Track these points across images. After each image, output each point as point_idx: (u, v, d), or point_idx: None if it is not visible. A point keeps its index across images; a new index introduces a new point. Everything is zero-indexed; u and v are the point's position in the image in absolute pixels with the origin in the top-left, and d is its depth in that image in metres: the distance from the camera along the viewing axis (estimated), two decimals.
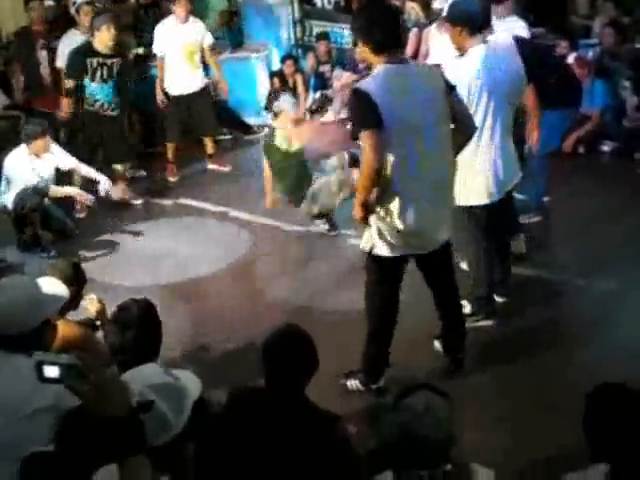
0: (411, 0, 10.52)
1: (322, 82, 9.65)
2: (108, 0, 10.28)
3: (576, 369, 4.45)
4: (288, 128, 6.46)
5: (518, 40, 5.79)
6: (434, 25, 9.08)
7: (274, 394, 3.02)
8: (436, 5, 8.94)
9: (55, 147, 6.95)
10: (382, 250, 4.08)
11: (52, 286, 3.50)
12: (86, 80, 7.30)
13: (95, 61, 7.25)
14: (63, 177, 7.08)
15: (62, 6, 9.37)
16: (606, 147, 7.97)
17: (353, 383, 4.45)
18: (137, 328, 3.44)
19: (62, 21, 8.80)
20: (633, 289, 5.22)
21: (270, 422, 2.92)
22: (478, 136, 4.54)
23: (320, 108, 9.33)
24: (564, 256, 5.92)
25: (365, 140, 3.81)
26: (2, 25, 9.41)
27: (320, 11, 10.90)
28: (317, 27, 10.70)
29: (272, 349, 3.09)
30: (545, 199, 6.59)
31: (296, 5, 10.83)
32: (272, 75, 10.07)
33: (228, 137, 9.63)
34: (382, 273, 4.19)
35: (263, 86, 10.23)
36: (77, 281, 3.97)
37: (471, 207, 4.72)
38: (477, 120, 4.50)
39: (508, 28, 6.62)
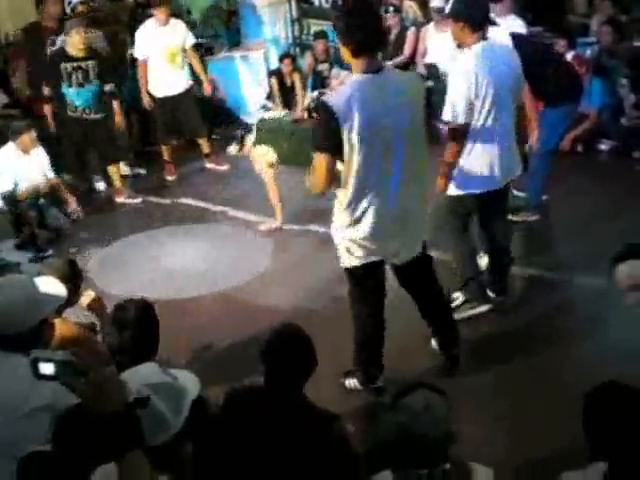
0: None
1: (320, 81, 9.64)
2: None
3: (574, 367, 4.45)
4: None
5: (515, 37, 5.81)
6: (432, 24, 9.12)
7: (272, 393, 3.02)
8: (434, 4, 8.96)
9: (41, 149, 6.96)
10: (350, 261, 4.10)
11: (50, 285, 3.49)
12: (64, 86, 7.29)
13: (69, 65, 7.24)
14: None
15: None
16: (604, 145, 7.97)
17: (351, 382, 4.46)
18: (135, 328, 3.44)
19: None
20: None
21: (268, 421, 2.92)
22: (482, 130, 4.57)
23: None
24: (562, 254, 5.93)
25: (317, 160, 3.81)
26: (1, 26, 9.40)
27: (318, 10, 10.89)
28: (315, 26, 10.70)
29: (271, 348, 3.09)
30: (544, 197, 6.59)
31: (294, 4, 10.83)
32: (270, 74, 10.08)
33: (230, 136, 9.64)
34: (358, 283, 4.19)
35: (261, 85, 10.23)
36: (74, 279, 3.96)
37: (463, 196, 4.75)
38: (483, 114, 4.54)
39: (507, 27, 6.65)
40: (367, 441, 3.45)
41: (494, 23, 5.07)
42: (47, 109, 7.50)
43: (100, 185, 8.20)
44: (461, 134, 4.58)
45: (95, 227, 7.19)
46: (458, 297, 5.10)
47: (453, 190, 4.77)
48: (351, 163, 3.81)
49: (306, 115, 8.09)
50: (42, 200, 6.83)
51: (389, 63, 9.25)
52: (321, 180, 3.83)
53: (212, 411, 3.08)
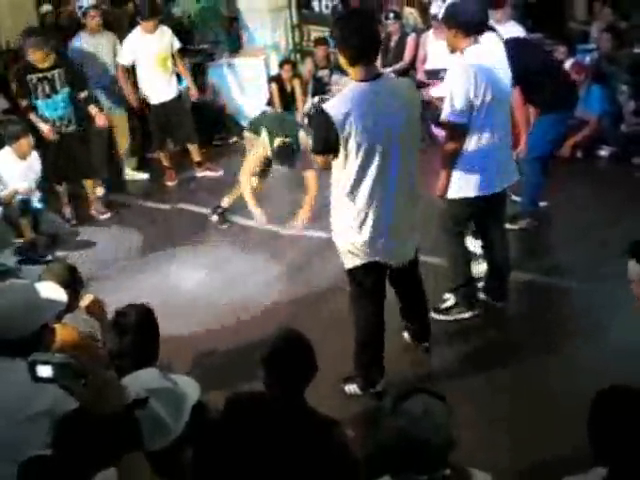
0: (409, 5, 10.58)
1: (320, 87, 9.66)
2: (107, 3, 10.34)
3: (572, 372, 4.45)
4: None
5: (514, 41, 5.82)
6: (431, 30, 9.14)
7: (273, 399, 3.02)
8: (434, 10, 8.98)
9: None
10: (353, 261, 4.17)
11: (50, 290, 3.49)
12: (33, 98, 7.20)
13: (34, 77, 7.14)
14: None
15: (56, 12, 9.40)
16: (604, 152, 7.98)
17: (351, 388, 4.47)
18: (135, 333, 3.44)
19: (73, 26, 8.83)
20: (629, 292, 5.21)
21: (268, 427, 2.92)
22: (480, 132, 4.60)
23: None
24: (561, 260, 5.93)
25: (316, 158, 4.11)
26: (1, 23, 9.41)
27: (318, 16, 10.91)
28: (315, 32, 10.72)
29: (271, 354, 3.09)
30: (542, 204, 6.59)
31: (294, 10, 10.86)
32: (270, 80, 10.09)
33: (230, 141, 9.66)
34: (360, 284, 4.25)
35: (261, 91, 10.24)
36: (73, 284, 3.96)
37: (460, 199, 4.77)
38: (481, 115, 4.56)
39: (506, 33, 6.66)
40: (367, 446, 3.44)
41: (491, 29, 5.09)
42: (33, 117, 7.28)
43: (100, 190, 8.21)
44: (460, 134, 4.60)
45: (93, 233, 7.19)
46: (449, 299, 5.11)
47: (450, 194, 4.79)
48: (349, 169, 3.88)
49: (306, 121, 8.12)
50: (37, 205, 6.81)
51: (389, 69, 9.29)
52: (322, 168, 4.19)
53: (213, 416, 3.08)
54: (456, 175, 4.71)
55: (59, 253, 6.66)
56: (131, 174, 8.61)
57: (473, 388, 4.45)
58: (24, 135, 6.72)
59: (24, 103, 7.26)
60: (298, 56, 10.82)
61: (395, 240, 4.15)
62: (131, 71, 8.18)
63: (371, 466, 2.90)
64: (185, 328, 5.30)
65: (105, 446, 1.83)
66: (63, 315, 3.78)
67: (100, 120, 7.55)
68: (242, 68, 10.32)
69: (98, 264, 6.46)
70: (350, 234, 4.08)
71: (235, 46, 10.89)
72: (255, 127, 6.63)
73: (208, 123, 9.46)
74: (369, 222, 4.01)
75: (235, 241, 6.84)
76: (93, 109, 7.51)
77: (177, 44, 8.23)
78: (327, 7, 10.74)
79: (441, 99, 5.17)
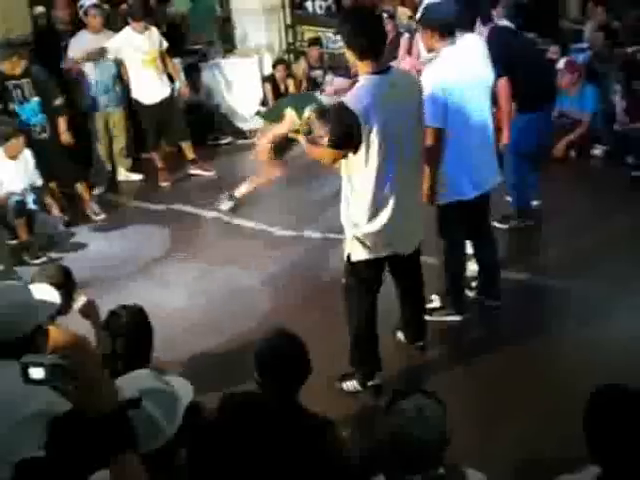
0: (403, 5, 10.59)
1: (314, 87, 9.66)
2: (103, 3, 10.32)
3: (566, 371, 4.47)
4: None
5: (502, 29, 5.83)
6: None
7: (266, 399, 3.02)
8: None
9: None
10: (361, 254, 4.19)
11: (44, 292, 3.49)
12: (10, 103, 7.20)
13: (10, 84, 7.18)
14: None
15: (48, 14, 9.36)
16: (597, 151, 7.99)
17: (349, 384, 4.47)
18: (128, 334, 3.45)
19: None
20: (622, 292, 5.24)
21: (262, 427, 2.92)
22: (458, 135, 4.60)
23: None
24: (554, 259, 5.94)
25: (328, 152, 4.12)
26: None
27: (312, 17, 10.93)
28: (309, 32, 10.73)
29: (265, 354, 3.09)
30: (535, 203, 6.60)
31: (287, 10, 10.86)
32: (264, 80, 10.09)
33: (224, 142, 9.66)
34: (361, 278, 4.28)
35: (255, 91, 10.24)
36: (66, 286, 3.95)
37: (446, 204, 4.77)
38: (457, 120, 4.56)
39: None
40: (361, 446, 3.45)
41: (471, 28, 5.10)
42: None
43: (100, 189, 8.21)
44: (437, 138, 4.59)
45: (88, 234, 7.18)
46: (435, 300, 5.13)
47: (438, 200, 4.78)
48: (370, 160, 3.93)
49: (307, 114, 8.09)
50: (32, 207, 6.80)
51: None
52: (329, 164, 4.25)
53: (207, 417, 3.08)
54: (439, 181, 4.68)
55: (53, 255, 6.65)
56: (125, 175, 8.60)
57: (467, 387, 4.46)
58: (14, 135, 6.71)
59: (9, 107, 7.28)
60: (292, 56, 10.83)
61: (405, 231, 4.22)
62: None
63: (366, 466, 2.90)
64: (179, 329, 5.29)
65: (99, 447, 1.83)
66: (56, 317, 3.78)
67: (65, 137, 7.49)
68: (236, 68, 10.32)
69: (92, 266, 6.44)
70: (367, 226, 4.11)
71: (229, 46, 10.89)
72: (274, 115, 6.72)
73: (202, 123, 9.46)
74: (386, 210, 4.07)
75: (230, 241, 6.83)
76: (62, 124, 7.49)
77: (165, 44, 8.25)
78: (321, 7, 10.75)
79: None
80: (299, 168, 7.31)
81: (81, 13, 8.17)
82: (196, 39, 10.72)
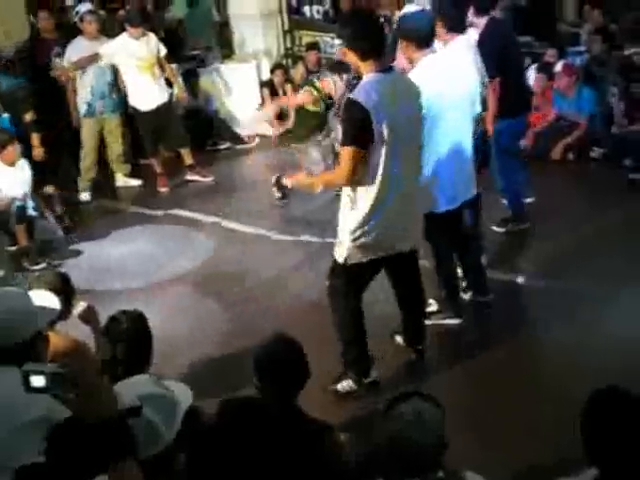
0: (400, 10, 10.58)
1: None
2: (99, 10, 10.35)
3: (565, 375, 4.46)
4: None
5: (499, 21, 5.82)
6: None
7: (265, 404, 3.03)
8: None
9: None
10: (357, 257, 4.18)
11: (44, 298, 3.49)
12: None
13: None
14: None
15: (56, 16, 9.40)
16: (595, 154, 8.01)
17: (345, 385, 4.46)
18: (128, 340, 3.45)
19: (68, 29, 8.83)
20: (614, 294, 5.25)
21: (261, 432, 2.92)
22: (437, 146, 4.61)
23: None
24: (549, 261, 5.94)
25: (346, 154, 3.96)
26: None
27: (309, 21, 10.95)
28: (306, 37, 10.75)
29: (263, 359, 3.10)
30: (529, 200, 6.58)
31: (285, 15, 10.88)
32: (262, 85, 10.11)
33: (223, 147, 9.68)
34: (353, 280, 4.28)
35: (253, 96, 10.26)
36: (65, 292, 3.96)
37: (432, 213, 4.77)
38: (436, 130, 4.57)
39: None
40: (360, 449, 3.45)
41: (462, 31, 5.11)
42: None
43: (85, 196, 8.23)
44: None
45: (87, 240, 7.19)
46: (432, 304, 5.14)
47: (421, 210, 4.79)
48: (376, 158, 3.93)
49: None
50: (32, 213, 6.81)
51: None
52: (349, 175, 3.97)
53: (206, 422, 3.08)
54: (427, 189, 4.66)
55: (53, 260, 6.66)
56: (124, 181, 8.61)
57: (465, 391, 4.47)
58: (10, 143, 6.73)
59: None
60: (290, 61, 10.85)
61: (404, 229, 4.24)
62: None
63: (364, 470, 2.91)
64: (178, 333, 5.30)
65: (98, 454, 1.84)
66: (56, 323, 3.79)
67: (37, 154, 7.47)
68: (234, 73, 10.34)
69: (91, 271, 6.46)
70: (368, 226, 4.09)
71: (227, 52, 10.91)
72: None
73: (200, 129, 9.47)
74: (386, 210, 4.06)
75: (228, 246, 6.84)
76: (35, 140, 7.48)
77: (163, 50, 8.25)
78: (318, 12, 10.79)
79: None
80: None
81: (77, 19, 8.17)
82: (194, 44, 10.74)
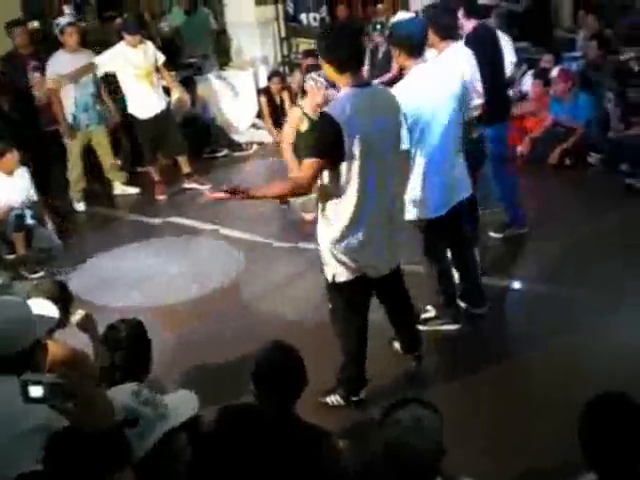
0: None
1: None
2: (95, 19, 10.40)
3: (559, 379, 4.46)
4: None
5: (486, 29, 5.82)
6: None
7: (264, 411, 3.03)
8: None
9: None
10: (342, 276, 4.13)
11: (41, 307, 3.49)
12: None
13: None
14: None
15: (48, 25, 9.41)
16: (592, 159, 8.02)
17: (333, 399, 4.47)
18: (127, 347, 3.45)
19: (48, 42, 8.82)
20: (613, 300, 5.25)
21: (259, 439, 2.93)
22: (425, 153, 4.61)
23: None
24: (546, 267, 5.93)
25: (309, 165, 3.86)
26: None
27: (306, 29, 10.98)
28: (303, 44, 10.79)
29: (261, 366, 3.10)
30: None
31: (282, 23, 10.92)
32: (259, 92, 10.14)
33: (220, 155, 9.70)
34: (347, 300, 4.22)
35: (251, 104, 10.29)
36: (63, 300, 3.96)
37: (419, 220, 4.78)
38: (423, 138, 4.56)
39: None
40: (358, 457, 3.46)
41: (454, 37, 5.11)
42: None
43: (80, 206, 8.24)
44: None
45: (80, 247, 7.20)
46: (430, 311, 5.14)
47: (409, 216, 4.73)
48: (348, 173, 3.86)
49: None
50: (30, 221, 6.82)
51: (377, 81, 9.32)
52: (308, 182, 3.87)
53: (204, 429, 3.08)
54: (409, 198, 4.66)
55: (51, 269, 6.66)
56: (122, 189, 8.62)
57: (463, 397, 4.46)
58: (8, 151, 6.74)
59: None
60: (287, 68, 10.88)
61: (386, 250, 4.15)
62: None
63: (363, 477, 2.91)
64: (177, 342, 5.31)
65: (96, 463, 1.84)
66: (54, 332, 3.79)
67: None
68: (231, 81, 10.37)
69: (89, 279, 6.47)
70: (344, 243, 4.03)
71: (224, 59, 10.95)
72: None
73: (198, 136, 9.49)
74: (362, 227, 3.99)
75: (227, 254, 6.85)
76: None
77: (161, 58, 8.25)
78: (315, 20, 10.81)
79: None
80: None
81: (57, 32, 8.08)
82: (191, 52, 10.78)
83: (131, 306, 5.74)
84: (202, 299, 6.04)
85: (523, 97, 8.97)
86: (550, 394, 4.34)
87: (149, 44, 8.20)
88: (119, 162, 9.12)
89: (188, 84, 9.84)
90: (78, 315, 4.11)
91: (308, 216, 6.75)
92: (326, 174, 3.91)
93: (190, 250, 7.04)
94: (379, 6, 11.25)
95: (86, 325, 4.13)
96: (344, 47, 3.87)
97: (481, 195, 5.78)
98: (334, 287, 4.20)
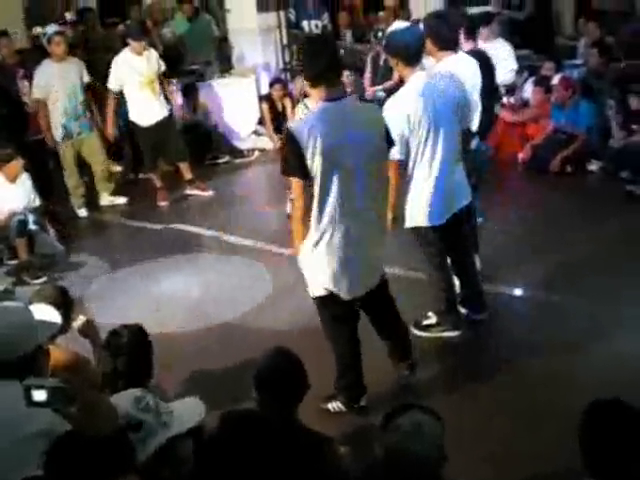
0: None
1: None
2: (95, 24, 10.42)
3: (559, 385, 4.46)
4: None
5: (481, 53, 5.84)
6: None
7: (265, 417, 3.04)
8: None
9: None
10: (317, 291, 4.14)
11: (44, 312, 3.50)
12: None
13: None
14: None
15: (32, 37, 9.47)
16: (593, 166, 8.04)
17: (335, 405, 4.46)
18: (129, 353, 3.46)
19: (35, 51, 8.87)
20: (613, 307, 5.25)
21: (262, 444, 2.93)
22: (425, 162, 4.60)
23: None
24: (546, 274, 5.92)
25: (294, 184, 3.88)
26: None
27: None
28: None
29: (263, 372, 3.11)
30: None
31: (284, 30, 10.94)
32: (261, 99, 10.16)
33: (222, 161, 9.72)
34: (331, 314, 4.22)
35: (252, 111, 10.31)
36: (65, 305, 3.97)
37: (419, 228, 4.77)
38: (422, 148, 4.56)
39: (494, 50, 6.71)
40: (359, 462, 3.45)
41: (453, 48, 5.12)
42: None
43: (82, 212, 8.27)
44: (396, 169, 4.57)
45: (85, 254, 7.21)
46: (431, 317, 5.14)
47: (408, 223, 4.77)
48: (315, 189, 3.83)
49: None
50: (32, 227, 6.84)
51: (379, 87, 9.37)
52: (299, 203, 3.91)
53: (207, 435, 3.09)
54: (409, 205, 4.68)
55: (53, 274, 6.67)
56: (109, 200, 8.56)
57: (462, 403, 4.45)
58: (14, 158, 6.76)
59: None
60: (288, 75, 10.90)
61: (360, 266, 4.10)
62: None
63: None
64: (179, 348, 5.31)
65: (99, 468, 1.85)
66: (56, 337, 3.80)
67: None
68: (233, 88, 10.40)
69: (91, 285, 6.47)
70: (314, 257, 4.02)
71: (226, 66, 10.97)
72: None
73: (199, 143, 9.51)
74: (334, 245, 3.95)
75: (230, 260, 6.86)
76: None
77: (163, 67, 8.30)
78: (317, 27, 10.82)
79: None
80: None
81: (44, 41, 8.09)
82: (193, 59, 10.80)
83: (131, 308, 5.75)
84: (202, 305, 6.04)
85: (524, 104, 8.99)
86: (550, 400, 4.33)
87: (152, 52, 8.24)
88: (119, 169, 9.17)
89: (190, 91, 9.89)
90: (79, 320, 4.12)
91: None
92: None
93: (192, 256, 7.05)
94: (381, 13, 11.27)
95: (87, 331, 4.13)
96: (319, 60, 3.82)
97: None
98: (316, 300, 4.22)
